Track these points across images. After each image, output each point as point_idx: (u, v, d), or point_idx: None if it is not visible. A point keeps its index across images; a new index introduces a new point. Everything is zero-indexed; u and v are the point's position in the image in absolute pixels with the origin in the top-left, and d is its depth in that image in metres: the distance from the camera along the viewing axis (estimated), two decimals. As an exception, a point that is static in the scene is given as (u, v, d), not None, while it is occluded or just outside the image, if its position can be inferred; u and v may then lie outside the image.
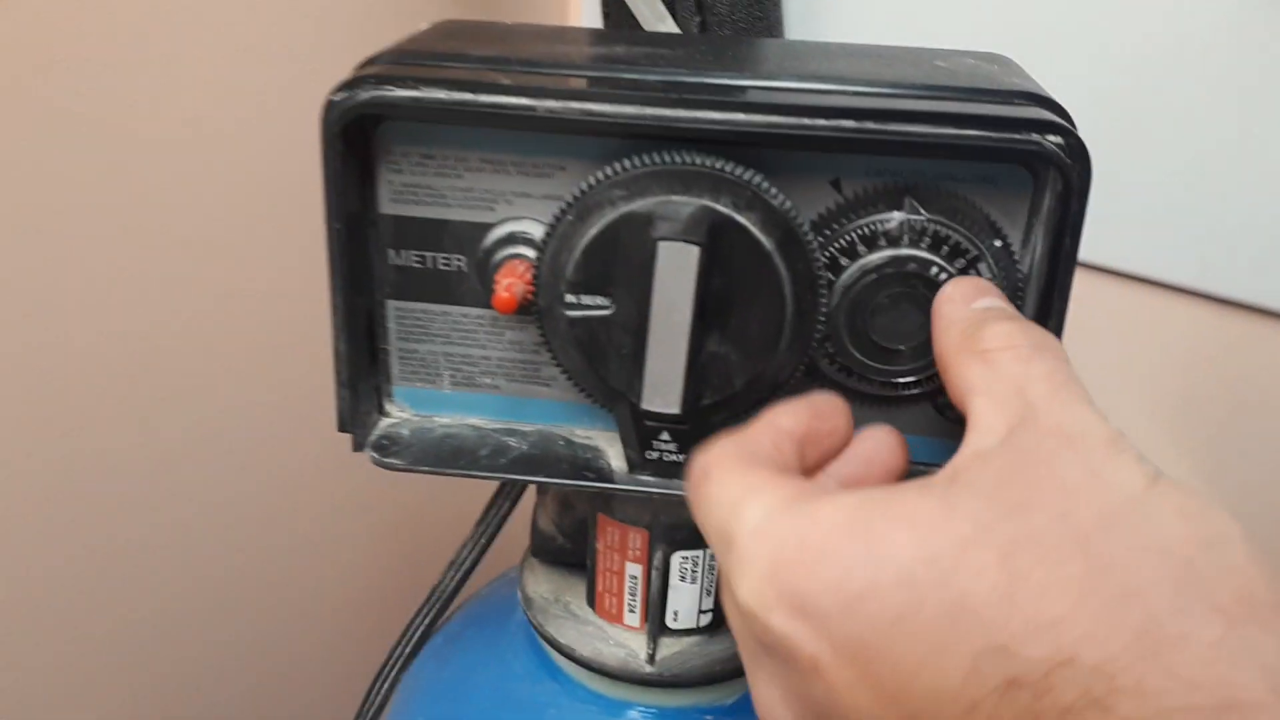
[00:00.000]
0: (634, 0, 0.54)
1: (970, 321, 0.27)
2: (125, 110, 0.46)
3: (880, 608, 0.21)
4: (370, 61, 0.33)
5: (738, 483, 0.24)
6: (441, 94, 0.30)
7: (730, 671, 0.39)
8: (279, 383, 0.58)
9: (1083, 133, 0.30)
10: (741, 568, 0.23)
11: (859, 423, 0.34)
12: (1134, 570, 0.20)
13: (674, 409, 0.30)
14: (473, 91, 0.30)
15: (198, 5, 0.47)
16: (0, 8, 0.40)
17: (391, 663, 0.48)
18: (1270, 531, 0.52)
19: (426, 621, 0.47)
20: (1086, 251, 0.51)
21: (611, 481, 0.34)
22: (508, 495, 0.45)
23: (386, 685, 0.48)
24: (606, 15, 0.59)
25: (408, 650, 0.47)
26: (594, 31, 0.39)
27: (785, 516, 0.23)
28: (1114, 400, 0.55)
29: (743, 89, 0.30)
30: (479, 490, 0.47)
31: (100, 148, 0.46)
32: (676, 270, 0.29)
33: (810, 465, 0.27)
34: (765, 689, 0.24)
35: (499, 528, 0.45)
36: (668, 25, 0.55)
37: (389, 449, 0.35)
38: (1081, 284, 0.55)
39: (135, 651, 0.55)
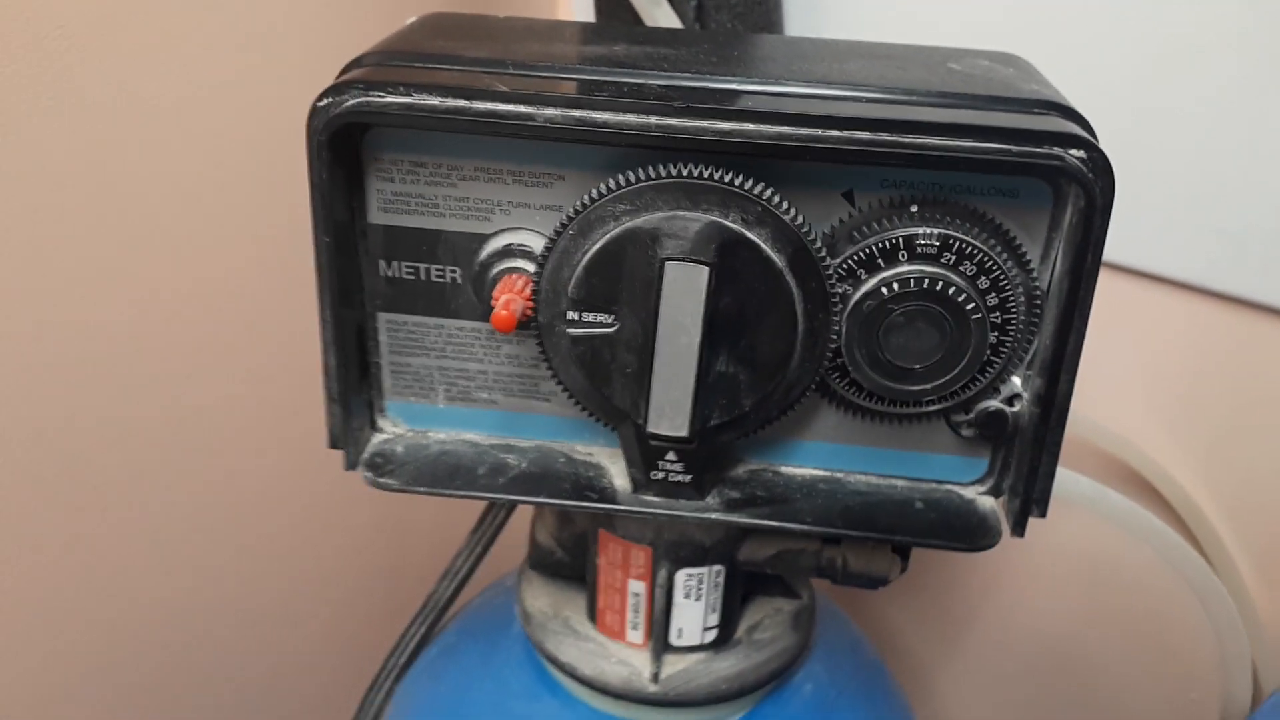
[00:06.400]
0: (628, -15, 0.53)
1: None
2: (116, 108, 0.44)
3: None
4: (356, 63, 0.31)
5: None
6: (434, 100, 0.28)
7: (736, 690, 0.38)
8: (268, 390, 0.56)
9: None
10: None
11: (869, 441, 0.33)
12: None
13: (682, 432, 0.29)
14: (468, 98, 0.28)
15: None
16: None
17: (385, 674, 0.47)
18: (1273, 526, 0.51)
19: (421, 632, 0.46)
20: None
21: (615, 502, 0.33)
22: (503, 505, 0.44)
23: (380, 698, 0.47)
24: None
25: (402, 661, 0.46)
26: (590, 27, 0.38)
27: None
28: (1119, 395, 0.54)
29: (752, 96, 0.29)
30: (472, 502, 0.46)
31: (89, 149, 0.44)
32: (685, 290, 0.27)
33: None
34: None
35: (495, 537, 0.44)
36: (663, 9, 0.53)
37: (383, 468, 0.33)
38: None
39: (126, 659, 0.54)
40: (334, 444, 0.33)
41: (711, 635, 0.38)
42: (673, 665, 0.38)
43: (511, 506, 0.44)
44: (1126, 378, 0.54)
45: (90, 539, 0.50)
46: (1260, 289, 0.48)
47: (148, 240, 0.48)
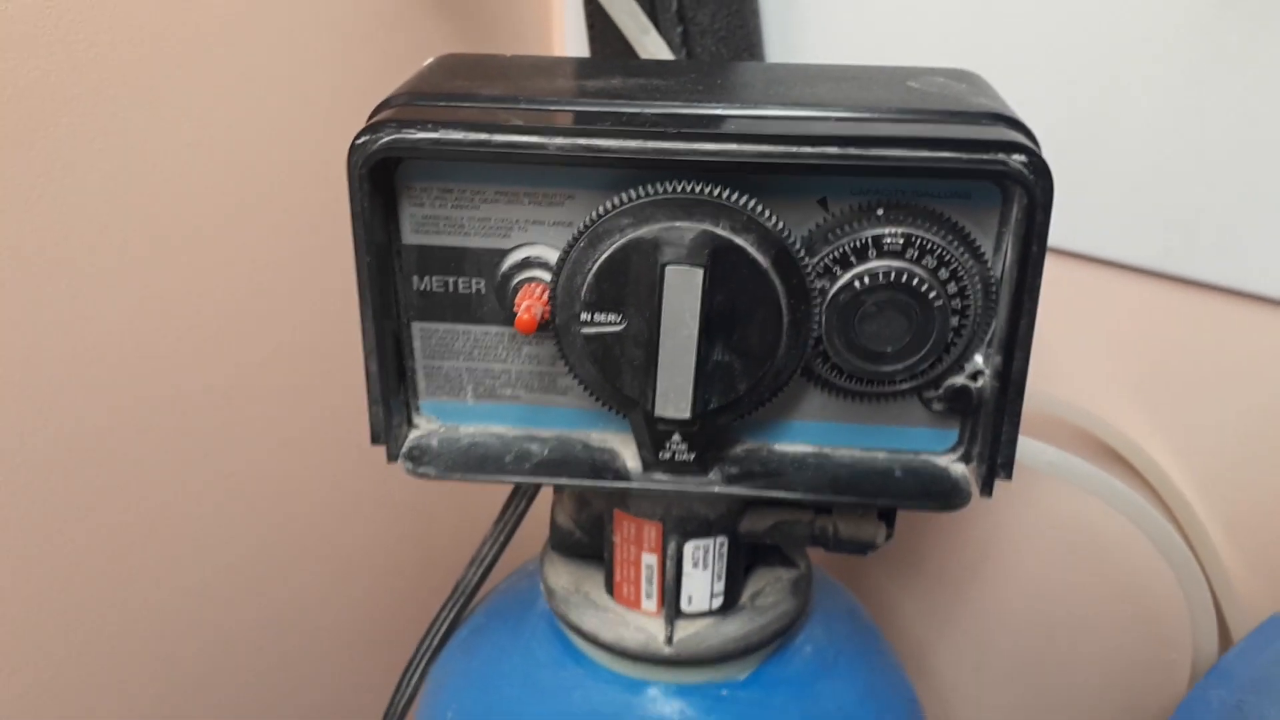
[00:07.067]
0: (618, 12, 0.57)
1: None
2: (152, 142, 0.48)
3: None
4: (386, 104, 0.35)
5: None
6: (459, 135, 0.33)
7: (742, 649, 0.42)
8: (306, 400, 0.60)
9: (1049, 127, 0.33)
10: None
11: (852, 418, 0.37)
12: None
13: (685, 415, 0.33)
14: (488, 132, 0.32)
15: (210, 37, 0.50)
16: (43, 40, 0.43)
17: (420, 655, 0.51)
18: (1239, 502, 0.55)
19: (452, 615, 0.50)
20: (1057, 238, 0.55)
21: (628, 480, 0.37)
22: (524, 494, 0.48)
23: (416, 677, 0.51)
24: (591, 26, 0.62)
25: (435, 643, 0.50)
26: (588, 63, 0.42)
27: None
28: (1086, 377, 0.58)
29: (735, 119, 0.33)
30: (489, 494, 0.50)
31: (126, 178, 0.48)
32: (683, 291, 0.32)
33: None
34: None
35: (517, 525, 0.48)
36: (651, 37, 0.58)
37: (420, 459, 0.38)
38: (1053, 269, 0.59)
39: (165, 649, 0.58)
40: (376, 440, 0.37)
41: (718, 601, 0.42)
42: (684, 629, 0.42)
43: (532, 496, 0.48)
44: (1094, 360, 0.58)
45: (138, 546, 0.54)
46: (1212, 271, 0.52)
47: (193, 263, 0.52)
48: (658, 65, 0.41)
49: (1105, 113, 0.52)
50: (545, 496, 0.48)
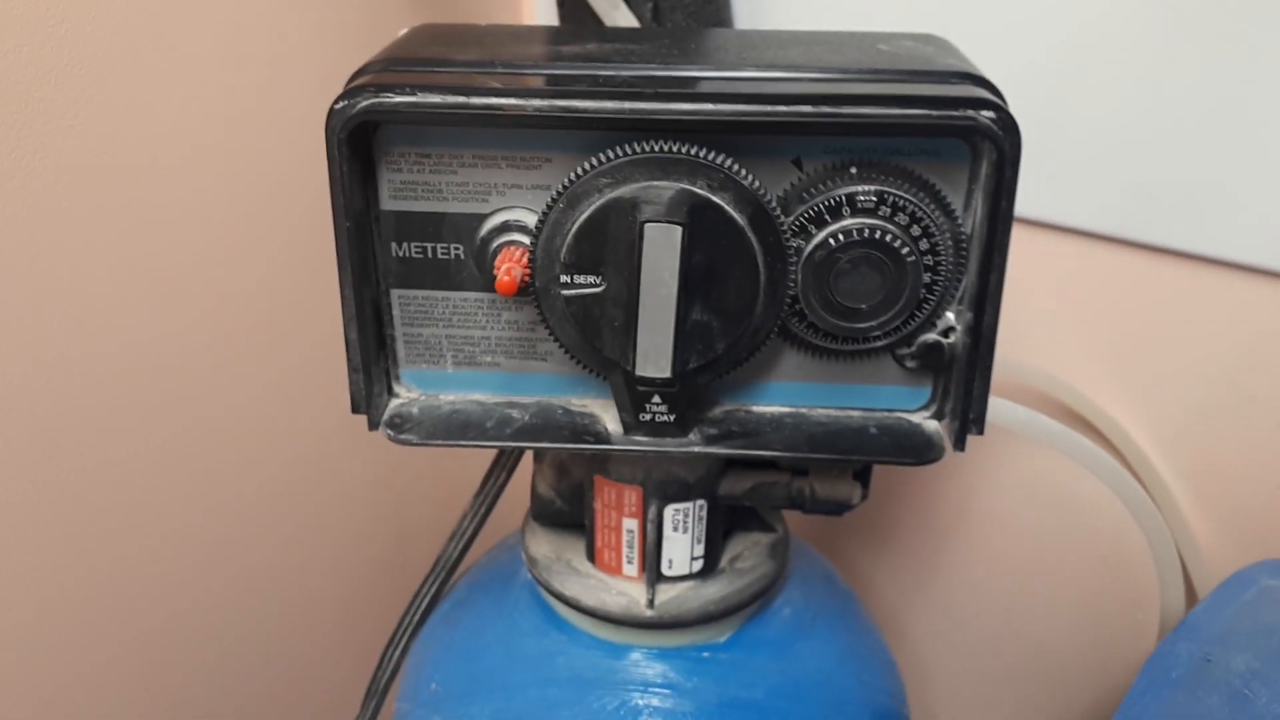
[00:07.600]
0: (587, -11, 0.57)
1: None
2: (126, 117, 0.48)
3: None
4: (362, 71, 0.35)
5: None
6: (437, 98, 0.33)
7: (722, 610, 0.42)
8: (277, 379, 0.60)
9: (1010, 98, 0.34)
10: None
11: (828, 378, 0.38)
12: None
13: (665, 373, 0.34)
14: (466, 95, 0.33)
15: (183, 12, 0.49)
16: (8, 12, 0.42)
17: (401, 630, 0.51)
18: (1202, 463, 0.56)
19: (434, 590, 0.50)
20: (1021, 208, 0.56)
21: (609, 443, 0.37)
22: (504, 467, 0.48)
23: (398, 653, 0.51)
24: (561, 4, 0.62)
25: (416, 618, 0.50)
26: (563, 30, 0.42)
27: None
28: (1049, 343, 0.59)
29: (710, 80, 0.33)
30: (468, 469, 0.50)
31: (101, 152, 0.48)
32: (662, 248, 0.32)
33: None
34: None
35: (497, 498, 0.49)
36: (621, 12, 0.58)
37: (402, 426, 0.38)
38: (1017, 238, 0.60)
39: (152, 628, 0.57)
40: (356, 409, 0.38)
41: (698, 565, 0.43)
42: (666, 593, 0.42)
43: (512, 468, 0.48)
44: (1056, 325, 0.59)
45: (126, 520, 0.54)
46: (1171, 236, 0.53)
47: (158, 251, 0.52)
48: (632, 32, 0.41)
49: (1065, 82, 0.53)
50: (524, 470, 0.49)
